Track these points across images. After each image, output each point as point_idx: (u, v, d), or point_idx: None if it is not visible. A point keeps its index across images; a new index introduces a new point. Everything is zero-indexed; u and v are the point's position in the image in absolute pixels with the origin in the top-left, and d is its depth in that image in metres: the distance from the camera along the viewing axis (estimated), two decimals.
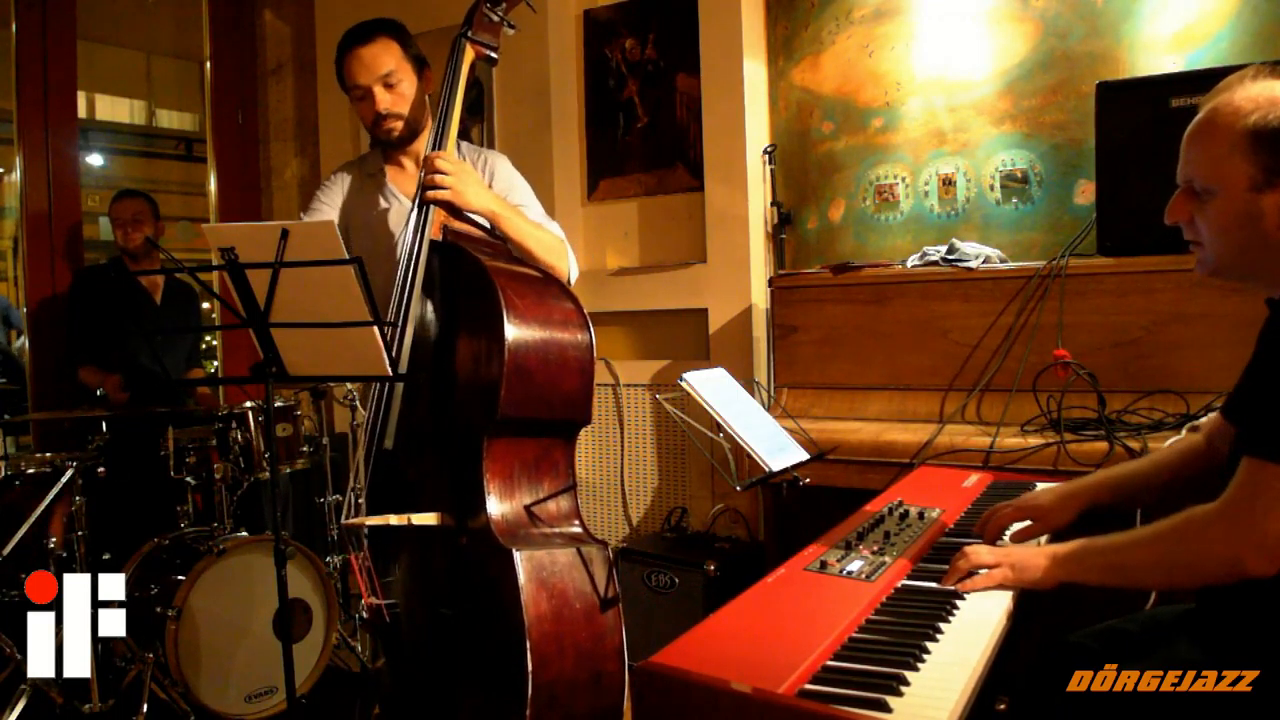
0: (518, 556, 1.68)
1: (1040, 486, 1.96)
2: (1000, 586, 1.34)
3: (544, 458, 1.86)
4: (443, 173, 1.92)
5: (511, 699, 1.65)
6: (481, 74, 3.40)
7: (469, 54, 2.05)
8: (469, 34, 2.05)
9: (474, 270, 1.83)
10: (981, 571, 1.36)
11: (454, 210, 1.96)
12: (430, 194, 1.93)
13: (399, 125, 2.11)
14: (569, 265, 2.12)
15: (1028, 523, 1.57)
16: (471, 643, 1.78)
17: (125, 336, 3.33)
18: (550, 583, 1.70)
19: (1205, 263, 1.33)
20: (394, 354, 1.88)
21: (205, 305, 4.02)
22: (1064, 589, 1.36)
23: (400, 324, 1.90)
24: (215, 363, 4.66)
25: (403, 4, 3.43)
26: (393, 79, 2.07)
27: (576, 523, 1.87)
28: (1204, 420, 2.12)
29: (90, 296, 3.43)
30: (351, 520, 1.90)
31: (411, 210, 1.97)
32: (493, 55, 2.08)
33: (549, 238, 2.07)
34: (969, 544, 1.45)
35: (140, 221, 3.40)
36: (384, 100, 2.07)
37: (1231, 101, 1.24)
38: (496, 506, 1.77)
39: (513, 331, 1.75)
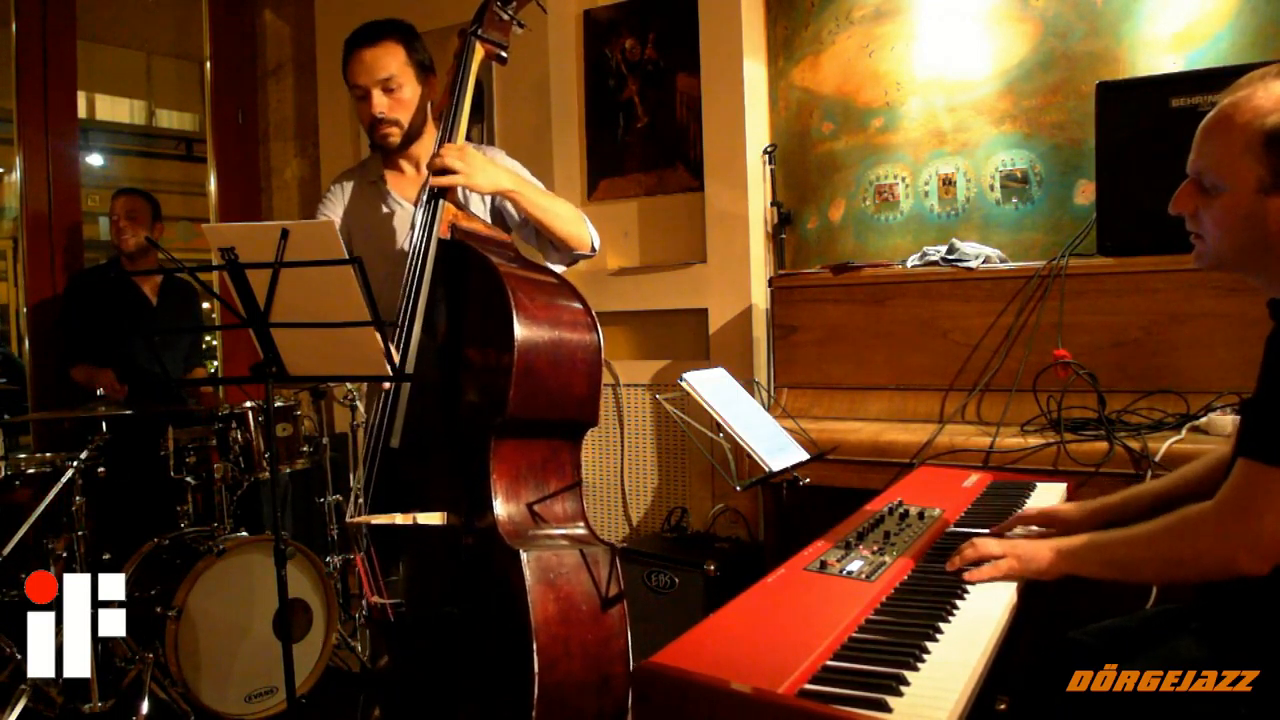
0: (525, 558, 1.67)
1: (1041, 487, 1.97)
2: (1006, 577, 1.36)
3: (551, 458, 1.86)
4: (452, 158, 1.91)
5: (517, 700, 1.65)
6: (482, 74, 3.40)
7: (479, 52, 2.04)
8: (479, 32, 2.04)
9: (483, 270, 1.82)
10: (989, 562, 1.38)
11: (462, 203, 1.96)
12: (441, 180, 1.91)
13: (395, 132, 2.09)
14: (590, 233, 2.12)
15: (1044, 529, 1.58)
16: (477, 643, 1.78)
17: (123, 338, 3.32)
18: (557, 584, 1.70)
19: (1205, 256, 1.32)
20: (400, 354, 1.88)
21: (205, 305, 4.01)
22: (1066, 588, 1.36)
23: (406, 323, 1.90)
24: (215, 363, 4.66)
25: (404, 4, 3.44)
26: (392, 84, 2.05)
27: (582, 524, 1.87)
28: (1226, 424, 2.13)
29: (85, 299, 3.43)
30: (356, 519, 1.90)
31: (418, 209, 1.96)
32: (503, 54, 2.07)
33: (567, 209, 2.08)
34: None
35: (135, 220, 3.37)
36: (380, 104, 2.05)
37: (1252, 99, 1.21)
38: (503, 507, 1.77)
39: (522, 332, 1.75)
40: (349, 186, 2.24)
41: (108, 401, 2.82)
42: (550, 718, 1.64)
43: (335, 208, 2.21)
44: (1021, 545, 1.40)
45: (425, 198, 1.95)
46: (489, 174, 1.96)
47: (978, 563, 1.39)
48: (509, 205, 2.11)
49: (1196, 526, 1.24)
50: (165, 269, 3.40)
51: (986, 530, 1.59)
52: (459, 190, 2.01)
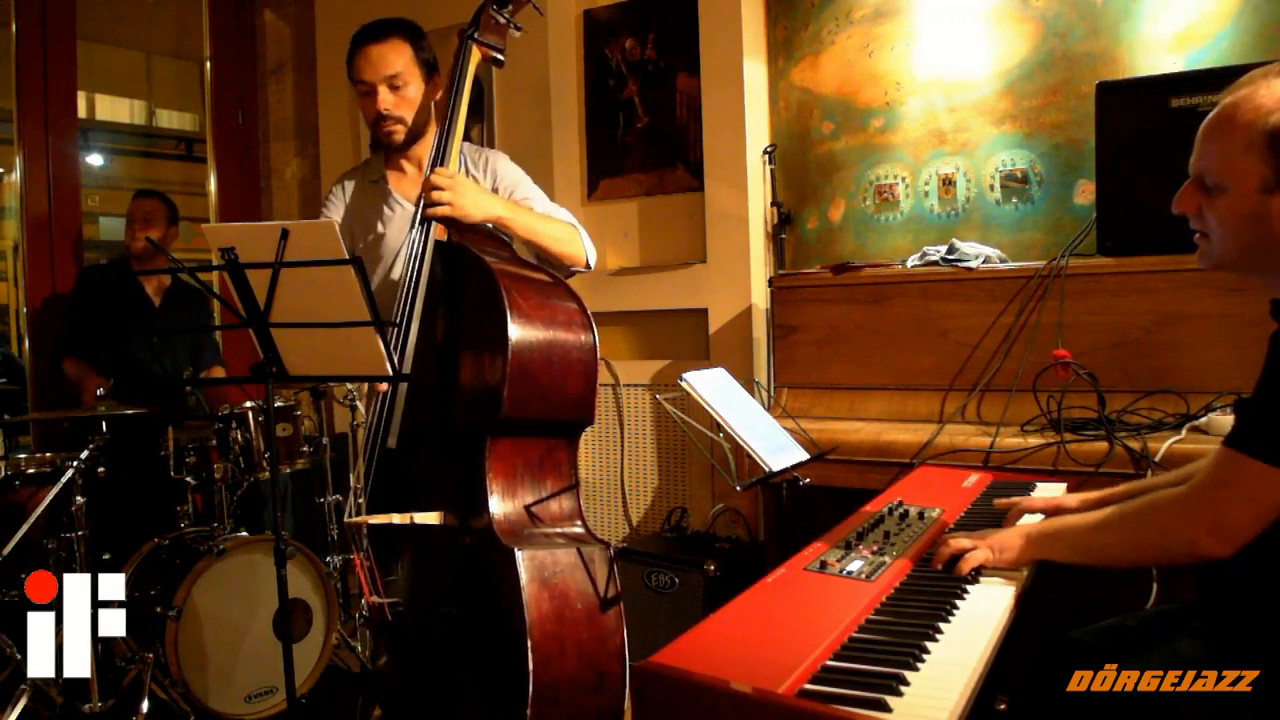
0: (520, 556, 1.67)
1: (1041, 487, 1.97)
2: (982, 565, 1.40)
3: (547, 458, 1.86)
4: (441, 189, 1.91)
5: (513, 699, 1.65)
6: (482, 74, 3.41)
7: (475, 55, 2.05)
8: (475, 35, 2.04)
9: (479, 270, 1.83)
10: (964, 556, 1.41)
11: (458, 225, 1.96)
12: (430, 210, 1.92)
13: (399, 129, 2.09)
14: (585, 250, 2.11)
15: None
16: (473, 642, 1.78)
17: (122, 337, 3.32)
18: (553, 583, 1.70)
19: (1209, 255, 1.32)
20: (398, 354, 1.88)
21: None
22: (1066, 588, 1.37)
23: (404, 325, 1.90)
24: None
25: (404, 4, 3.44)
26: (399, 80, 2.06)
27: (579, 523, 1.87)
28: (1226, 424, 2.13)
29: (90, 295, 3.44)
30: (354, 519, 1.90)
31: (414, 221, 1.97)
32: (499, 57, 2.07)
33: (561, 229, 2.07)
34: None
35: (150, 222, 3.37)
36: (386, 100, 2.06)
37: (1253, 98, 1.20)
38: (499, 506, 1.77)
39: (517, 332, 1.75)
40: (350, 187, 2.25)
41: (108, 401, 2.82)
42: (545, 716, 1.64)
43: (337, 209, 2.22)
44: (993, 535, 1.44)
45: (419, 219, 1.96)
46: (480, 203, 1.96)
47: (954, 559, 1.42)
48: None
49: (1163, 511, 1.27)
50: (166, 269, 3.40)
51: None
52: None
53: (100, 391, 2.88)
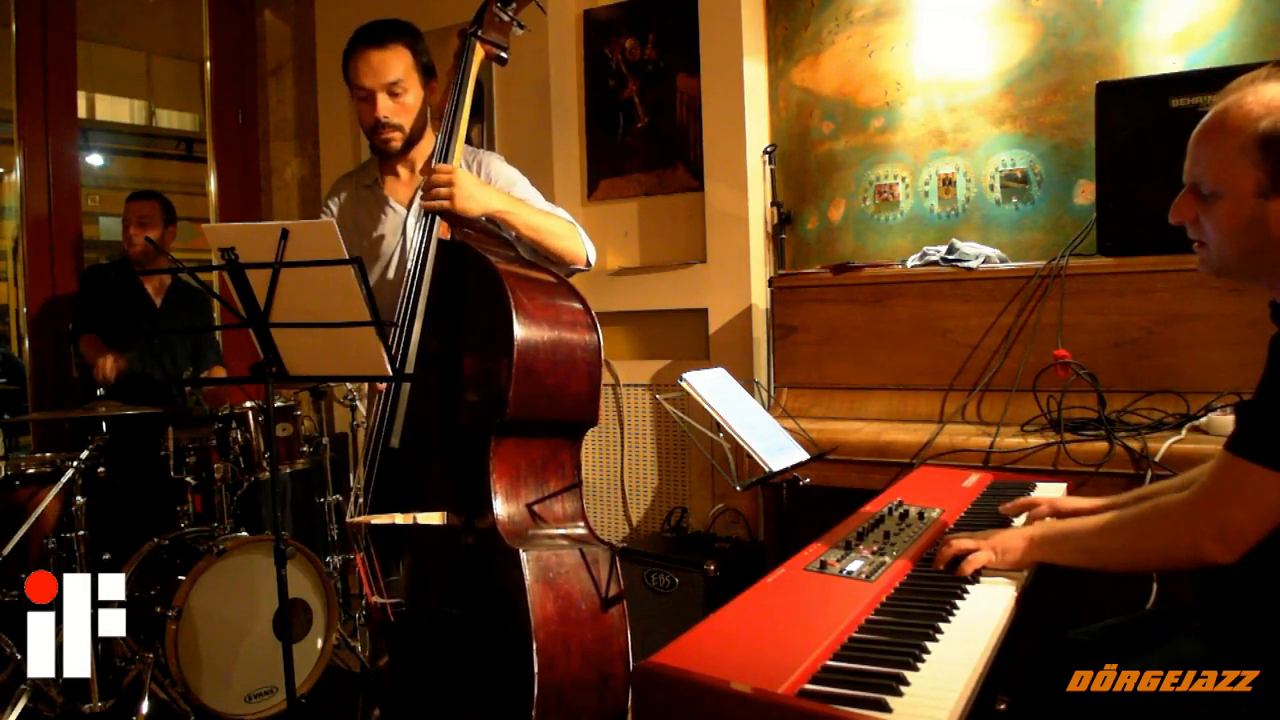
0: (524, 557, 1.67)
1: (1041, 487, 1.97)
2: (985, 566, 1.41)
3: (551, 458, 1.86)
4: (441, 184, 1.90)
5: (517, 699, 1.65)
6: (482, 74, 3.42)
7: (479, 53, 2.03)
8: (479, 33, 2.03)
9: (483, 270, 1.82)
10: (967, 557, 1.41)
11: (458, 219, 1.95)
12: (429, 204, 1.92)
13: (397, 136, 2.07)
14: (585, 247, 2.08)
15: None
16: (477, 642, 1.78)
17: (124, 337, 3.32)
18: (557, 584, 1.70)
19: (1209, 263, 1.32)
20: (399, 354, 1.88)
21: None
22: (1066, 588, 1.37)
23: (406, 324, 1.90)
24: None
25: (404, 4, 3.44)
26: (398, 88, 2.03)
27: (582, 524, 1.87)
28: (1226, 424, 2.13)
29: (93, 295, 3.44)
30: (356, 519, 1.90)
31: (408, 217, 1.96)
32: (502, 55, 2.06)
33: (561, 225, 2.05)
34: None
35: (146, 224, 3.37)
36: (385, 107, 2.04)
37: (1242, 104, 1.21)
38: (503, 507, 1.77)
39: (522, 332, 1.75)
40: (345, 192, 2.25)
41: (103, 380, 2.82)
42: (549, 717, 1.64)
43: (334, 215, 2.21)
44: (996, 537, 1.44)
45: (421, 214, 1.95)
46: (478, 197, 1.94)
47: (957, 559, 1.42)
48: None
49: (1167, 515, 1.28)
50: (166, 269, 3.40)
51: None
52: None
53: (111, 368, 2.88)
